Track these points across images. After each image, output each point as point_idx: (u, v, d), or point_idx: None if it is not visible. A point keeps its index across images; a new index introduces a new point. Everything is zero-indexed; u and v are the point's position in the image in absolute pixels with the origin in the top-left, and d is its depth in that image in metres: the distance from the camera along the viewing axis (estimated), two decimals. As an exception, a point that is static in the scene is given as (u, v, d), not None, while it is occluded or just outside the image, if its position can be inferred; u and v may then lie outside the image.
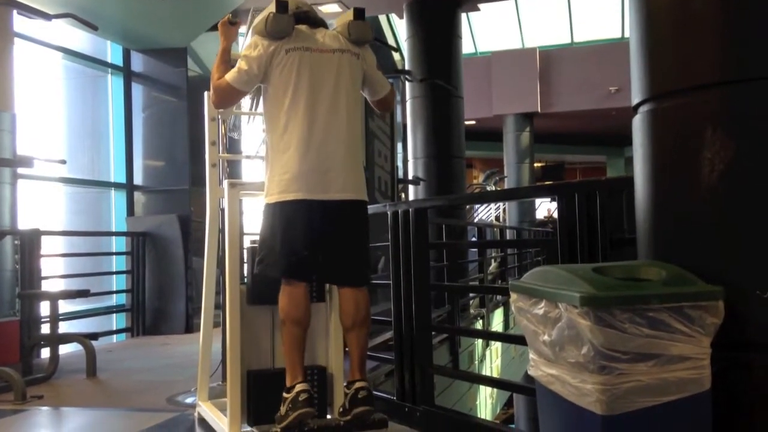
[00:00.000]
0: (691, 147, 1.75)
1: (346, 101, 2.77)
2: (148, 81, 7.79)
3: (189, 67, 7.67)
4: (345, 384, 2.80)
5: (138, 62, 7.80)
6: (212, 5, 7.20)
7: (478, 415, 7.75)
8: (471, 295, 8.47)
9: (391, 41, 14.90)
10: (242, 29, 3.15)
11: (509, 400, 12.65)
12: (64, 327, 5.64)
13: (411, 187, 9.58)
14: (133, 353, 6.04)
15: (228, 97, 2.83)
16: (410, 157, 9.75)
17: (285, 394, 2.65)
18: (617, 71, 14.10)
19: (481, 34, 16.88)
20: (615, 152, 21.00)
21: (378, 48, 7.06)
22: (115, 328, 7.42)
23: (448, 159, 9.48)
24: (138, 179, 7.80)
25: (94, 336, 5.15)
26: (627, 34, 2.45)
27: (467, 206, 12.89)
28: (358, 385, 2.68)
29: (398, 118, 9.74)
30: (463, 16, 10.86)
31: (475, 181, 18.29)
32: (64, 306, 5.80)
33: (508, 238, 13.31)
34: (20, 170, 5.75)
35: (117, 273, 7.58)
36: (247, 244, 3.11)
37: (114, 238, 7.80)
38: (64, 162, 6.43)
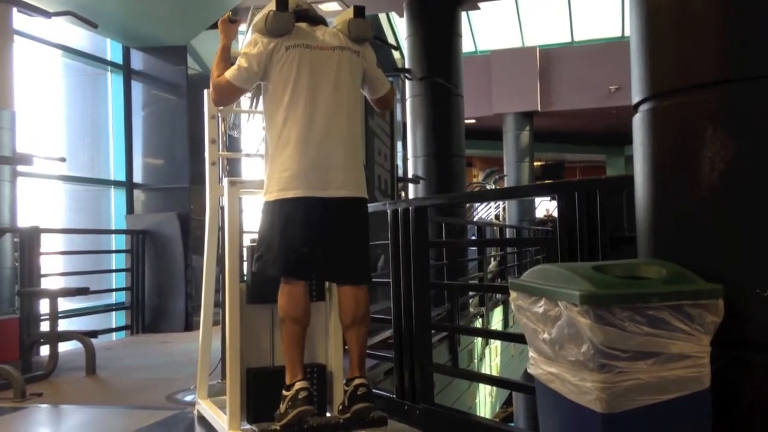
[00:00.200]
0: (692, 146, 1.75)
1: (346, 99, 2.77)
2: (148, 79, 7.79)
3: (189, 65, 7.67)
4: (344, 381, 2.80)
5: (138, 60, 7.79)
6: (212, 3, 7.19)
7: (478, 414, 7.76)
8: (470, 293, 8.47)
9: (391, 39, 14.89)
10: (242, 27, 3.15)
11: (509, 398, 12.67)
12: (63, 325, 5.63)
13: (411, 186, 9.58)
14: (132, 351, 6.05)
15: (228, 95, 2.83)
16: (410, 155, 9.75)
17: (284, 392, 2.65)
18: (617, 70, 14.11)
19: (481, 32, 16.88)
20: (615, 151, 21.01)
21: (378, 46, 7.06)
22: (114, 326, 7.42)
23: (447, 157, 9.48)
24: (138, 177, 7.79)
25: (94, 334, 5.15)
26: (627, 33, 2.45)
27: (467, 205, 12.88)
28: (357, 382, 2.68)
29: (398, 116, 9.74)
30: (463, 14, 10.86)
31: (474, 180, 18.31)
32: (64, 304, 5.81)
33: (507, 236, 13.31)
34: (20, 168, 5.75)
35: (116, 271, 7.59)
36: (246, 242, 3.11)
37: (113, 235, 7.81)
38: (63, 160, 6.43)
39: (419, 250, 3.34)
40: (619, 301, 1.56)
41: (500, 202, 16.33)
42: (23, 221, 5.62)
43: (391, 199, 6.69)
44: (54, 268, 6.40)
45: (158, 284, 7.19)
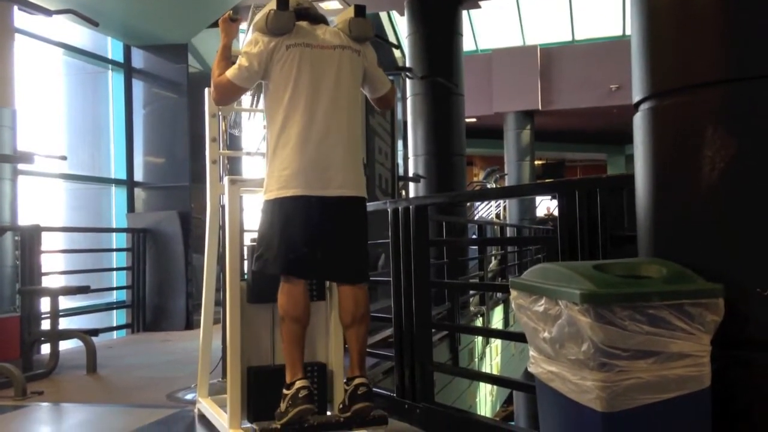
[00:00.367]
0: (692, 145, 1.75)
1: (347, 98, 2.77)
2: (149, 77, 7.79)
3: (190, 63, 7.67)
4: (345, 380, 2.80)
5: (139, 58, 7.79)
6: (213, 2, 7.20)
7: (478, 413, 7.76)
8: (471, 292, 8.48)
9: (392, 38, 14.89)
10: (243, 25, 3.15)
11: (509, 397, 12.67)
12: (64, 323, 5.64)
13: (411, 185, 9.58)
14: (133, 349, 6.05)
15: (229, 94, 2.83)
16: (411, 154, 9.75)
17: (285, 391, 2.66)
18: (618, 69, 14.10)
19: (482, 31, 16.88)
20: (615, 150, 21.00)
21: (379, 45, 7.05)
22: (115, 325, 7.43)
23: (448, 156, 9.47)
24: (138, 175, 7.80)
25: (95, 332, 5.16)
26: (628, 32, 2.45)
27: (467, 204, 12.88)
28: (357, 381, 2.68)
29: (399, 115, 9.71)
30: (464, 13, 10.86)
31: (475, 179, 18.33)
32: (65, 302, 5.82)
33: (508, 235, 13.31)
34: (21, 166, 5.75)
35: (117, 269, 7.59)
36: (247, 241, 3.12)
37: (114, 234, 7.81)
38: (64, 158, 6.44)
39: (420, 249, 3.34)
40: (620, 300, 1.56)
41: (501, 201, 16.32)
42: (24, 219, 5.62)
43: (391, 197, 6.69)
44: (55, 266, 6.41)
45: (159, 283, 7.20)
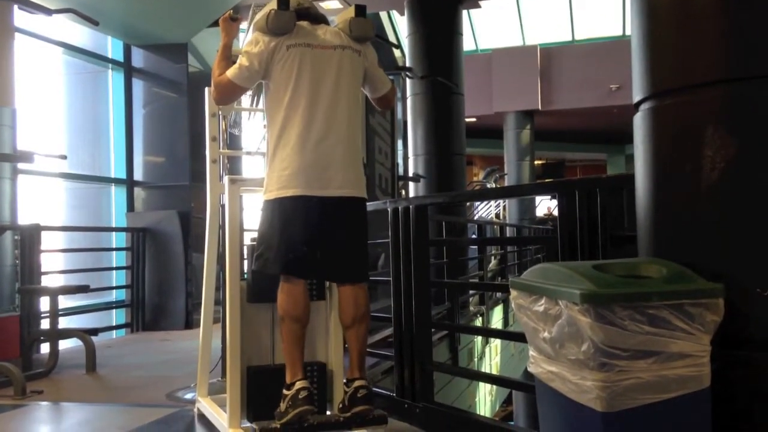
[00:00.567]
0: (692, 145, 1.75)
1: (347, 98, 2.77)
2: (149, 77, 7.79)
3: (190, 62, 7.67)
4: (344, 382, 2.80)
5: (139, 58, 7.79)
6: (213, 1, 7.20)
7: (478, 412, 7.76)
8: (471, 292, 8.48)
9: (392, 38, 14.89)
10: (243, 25, 3.15)
11: (508, 397, 12.68)
12: (63, 322, 5.64)
13: (411, 184, 9.58)
14: (132, 349, 6.05)
15: (229, 93, 2.83)
16: (410, 154, 9.74)
17: (285, 391, 2.65)
18: (618, 69, 14.11)
19: (482, 31, 16.88)
20: (615, 150, 21.01)
21: (379, 45, 7.06)
22: (114, 324, 7.42)
23: (448, 156, 9.47)
24: (138, 175, 7.80)
25: (94, 331, 5.17)
26: (628, 32, 2.45)
27: (467, 203, 12.88)
28: (357, 384, 2.68)
29: (399, 115, 9.72)
30: (464, 13, 10.86)
31: (475, 179, 18.33)
32: (64, 301, 5.82)
33: (508, 235, 13.31)
34: (21, 165, 5.75)
35: (117, 269, 7.59)
36: (247, 240, 3.11)
37: (114, 233, 7.82)
38: (64, 157, 6.43)
39: (419, 249, 3.34)
40: (620, 300, 1.56)
41: (501, 201, 16.32)
42: (24, 219, 5.63)
43: (391, 197, 6.69)
44: (54, 265, 6.42)
45: (158, 282, 7.20)
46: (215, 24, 4.49)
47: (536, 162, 17.95)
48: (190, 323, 7.00)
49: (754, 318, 1.67)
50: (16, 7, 5.60)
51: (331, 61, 2.74)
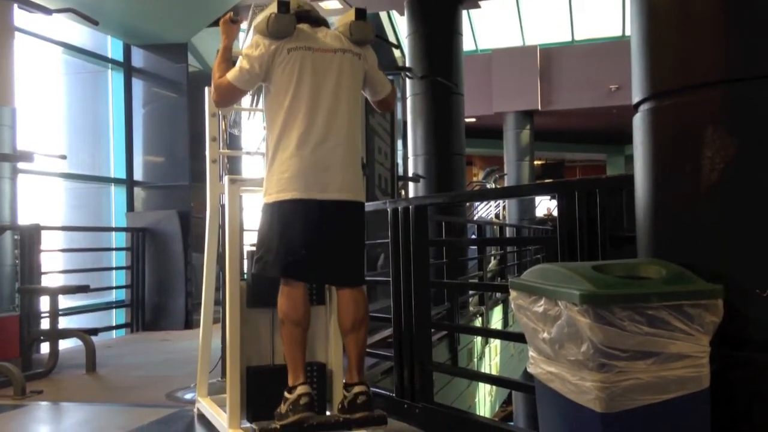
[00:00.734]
0: (692, 145, 1.75)
1: (347, 101, 2.77)
2: (149, 76, 7.79)
3: (189, 62, 7.67)
4: (344, 385, 2.79)
5: (138, 58, 7.79)
6: (213, 1, 7.20)
7: (477, 413, 7.76)
8: (470, 292, 8.48)
9: (391, 38, 14.90)
10: (243, 25, 3.15)
11: (508, 397, 12.68)
12: (63, 322, 5.65)
13: (411, 184, 9.58)
14: (132, 349, 6.05)
15: (229, 96, 2.83)
16: (410, 154, 9.75)
17: (286, 394, 2.66)
18: (618, 69, 14.11)
19: (481, 31, 16.88)
20: (615, 150, 21.02)
21: (379, 45, 7.06)
22: (114, 324, 7.43)
23: (448, 156, 9.48)
24: (138, 175, 7.80)
25: (94, 331, 5.17)
26: (628, 32, 2.45)
27: (467, 204, 12.88)
28: (357, 389, 2.68)
29: (398, 115, 9.73)
30: (464, 13, 10.86)
31: (475, 179, 18.33)
32: (64, 301, 5.82)
33: (507, 235, 13.31)
34: (20, 165, 5.75)
35: (117, 269, 7.59)
36: (247, 240, 3.12)
37: (114, 233, 7.82)
38: (64, 157, 6.43)
39: (419, 249, 3.34)
40: (619, 301, 1.56)
41: (500, 201, 16.32)
42: (24, 218, 5.63)
43: (391, 197, 6.70)
44: (54, 265, 6.42)
45: (158, 282, 7.20)
46: (215, 24, 4.50)
47: (536, 162, 17.95)
48: (190, 323, 7.00)
49: (753, 319, 1.67)
50: (16, 6, 5.61)
51: (332, 65, 2.74)
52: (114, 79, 7.88)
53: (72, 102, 8.03)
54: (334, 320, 2.97)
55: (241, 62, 2.74)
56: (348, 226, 2.77)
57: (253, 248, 2.86)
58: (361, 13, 2.83)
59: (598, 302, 1.56)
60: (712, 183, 1.71)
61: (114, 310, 7.62)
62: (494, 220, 16.28)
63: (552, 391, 1.74)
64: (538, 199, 17.73)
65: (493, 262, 10.56)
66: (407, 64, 9.65)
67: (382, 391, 3.47)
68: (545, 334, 1.71)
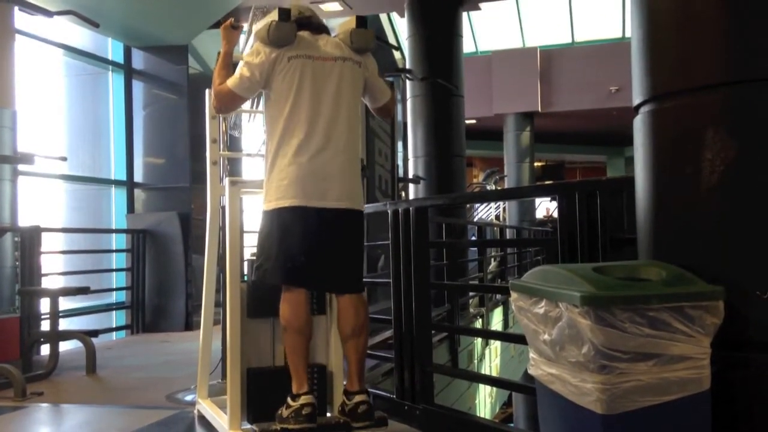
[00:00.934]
0: (692, 148, 1.75)
1: (347, 110, 2.78)
2: (149, 78, 7.79)
3: (190, 64, 7.67)
4: (344, 391, 2.80)
5: (139, 59, 7.79)
6: (213, 3, 7.20)
7: (478, 414, 7.76)
8: (471, 294, 8.48)
9: (392, 40, 14.90)
10: (243, 25, 3.15)
11: (508, 399, 12.67)
12: (64, 324, 5.64)
13: (411, 186, 9.58)
14: (132, 350, 6.05)
15: (229, 103, 2.84)
16: (410, 155, 9.75)
17: (290, 401, 2.66)
18: (618, 71, 14.11)
19: (482, 33, 16.88)
20: (615, 152, 21.01)
21: (379, 47, 7.07)
22: (114, 326, 7.43)
23: (448, 158, 9.48)
24: (138, 176, 7.80)
25: (94, 333, 5.16)
26: (628, 34, 2.46)
27: (467, 205, 12.88)
28: (358, 399, 2.69)
29: (399, 116, 9.74)
30: (464, 15, 10.86)
31: (475, 180, 18.31)
32: (64, 303, 5.81)
33: (507, 237, 13.30)
34: (21, 167, 5.75)
35: (117, 270, 7.59)
36: (247, 243, 3.12)
37: (114, 235, 7.81)
38: (64, 159, 6.44)
39: (420, 251, 3.34)
40: (620, 303, 1.57)
41: (500, 203, 16.32)
42: (24, 220, 5.63)
43: (391, 199, 6.70)
44: (54, 267, 6.41)
45: (158, 284, 7.19)
46: (215, 26, 4.51)
47: (536, 164, 17.94)
48: (190, 325, 7.00)
49: (753, 320, 1.67)
50: (16, 8, 5.61)
51: (332, 73, 2.75)
52: (114, 81, 7.89)
53: (72, 104, 8.03)
54: (334, 325, 2.97)
55: (242, 69, 2.74)
56: (347, 234, 2.78)
57: (254, 257, 2.86)
58: (362, 21, 2.84)
59: (599, 304, 1.56)
60: (712, 185, 1.71)
61: (114, 311, 7.62)
62: (494, 221, 16.27)
63: (553, 393, 1.74)
64: (537, 200, 17.73)
65: (493, 264, 10.56)
66: (407, 66, 9.66)
67: (383, 393, 3.47)
68: (546, 336, 1.71)
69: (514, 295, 1.87)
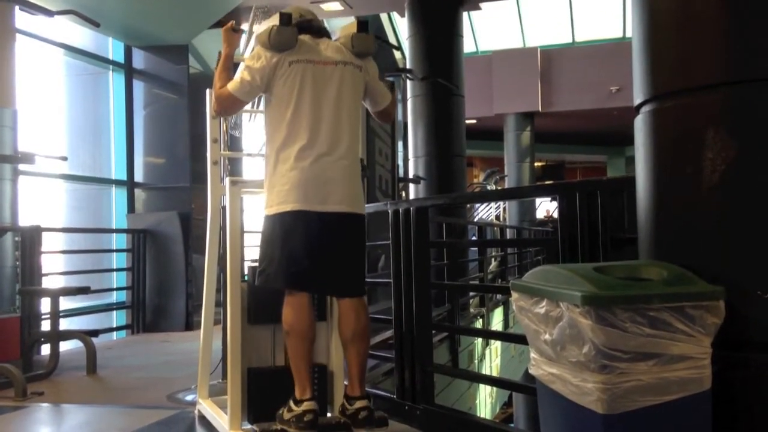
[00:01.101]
0: (693, 147, 1.75)
1: (348, 114, 2.78)
2: (150, 78, 7.79)
3: (190, 64, 7.68)
4: (345, 394, 2.79)
5: (139, 59, 7.80)
6: (214, 3, 7.20)
7: (478, 414, 7.76)
8: (471, 294, 8.47)
9: (392, 39, 14.90)
10: (243, 26, 3.15)
11: (509, 399, 12.67)
12: (64, 324, 5.64)
13: (411, 186, 9.58)
14: (133, 350, 6.05)
15: (230, 106, 2.84)
16: (411, 155, 9.74)
17: (293, 405, 2.66)
18: (618, 71, 14.10)
19: (482, 33, 16.87)
20: (615, 152, 21.00)
21: (379, 47, 7.07)
22: (115, 325, 7.43)
23: (448, 158, 9.47)
24: (139, 176, 7.80)
25: (95, 333, 5.16)
26: (628, 34, 2.46)
27: (468, 205, 12.87)
28: (359, 405, 2.69)
29: (399, 116, 9.73)
30: (465, 14, 10.86)
31: (475, 180, 18.30)
32: (65, 303, 5.81)
33: (508, 237, 13.30)
34: (21, 167, 5.75)
35: (117, 270, 7.60)
36: (248, 243, 3.11)
37: (114, 235, 7.82)
38: (65, 159, 6.44)
39: (420, 251, 3.34)
40: (621, 303, 1.57)
41: (501, 203, 16.31)
42: (24, 220, 5.63)
43: (391, 199, 6.70)
44: (55, 267, 6.41)
45: (159, 283, 7.20)
46: (216, 25, 4.51)
47: (536, 164, 17.94)
48: (191, 325, 7.00)
49: (754, 320, 1.67)
50: (17, 8, 5.61)
51: (333, 78, 2.75)
52: (115, 81, 7.89)
53: (73, 103, 8.03)
54: (335, 328, 2.97)
55: (243, 73, 2.74)
56: (348, 238, 2.78)
57: (255, 263, 2.86)
58: (363, 26, 2.85)
59: (600, 304, 1.56)
60: (713, 185, 1.71)
61: (114, 311, 7.62)
62: (495, 221, 16.27)
63: (553, 393, 1.74)
64: (538, 200, 17.72)
65: (493, 264, 10.56)
66: (408, 66, 9.65)
67: (383, 393, 3.47)
68: (547, 336, 1.71)
69: (514, 294, 1.87)
